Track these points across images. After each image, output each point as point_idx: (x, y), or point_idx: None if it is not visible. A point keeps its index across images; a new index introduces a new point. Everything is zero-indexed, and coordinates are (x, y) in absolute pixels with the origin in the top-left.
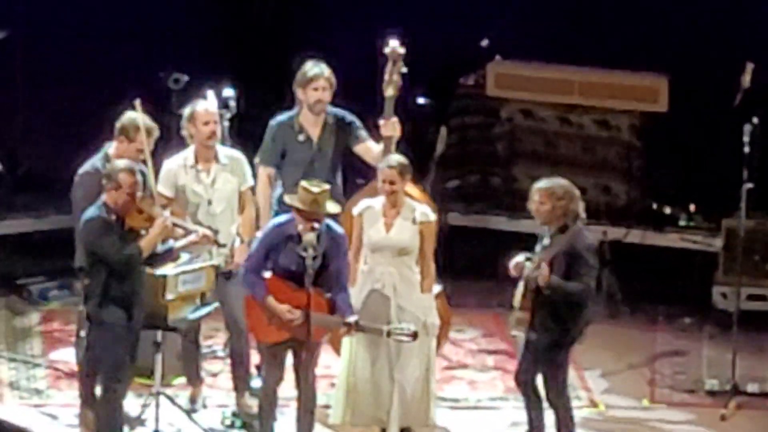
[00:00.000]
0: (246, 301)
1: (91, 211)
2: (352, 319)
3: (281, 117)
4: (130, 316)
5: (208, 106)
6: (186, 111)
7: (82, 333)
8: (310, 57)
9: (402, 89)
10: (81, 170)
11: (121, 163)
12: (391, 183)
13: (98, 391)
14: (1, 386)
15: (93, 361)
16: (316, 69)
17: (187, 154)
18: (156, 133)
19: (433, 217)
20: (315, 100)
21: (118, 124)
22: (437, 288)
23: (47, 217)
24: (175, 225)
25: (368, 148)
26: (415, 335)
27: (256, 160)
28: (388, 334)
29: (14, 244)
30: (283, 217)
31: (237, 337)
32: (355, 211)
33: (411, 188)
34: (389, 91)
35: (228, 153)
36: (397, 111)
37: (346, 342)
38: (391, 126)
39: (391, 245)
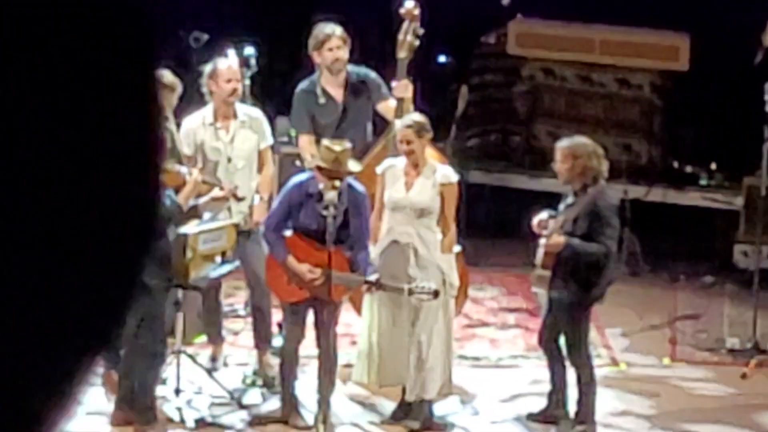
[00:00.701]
0: (267, 260)
1: None
2: (373, 277)
3: (303, 84)
4: (167, 276)
5: (231, 63)
6: (207, 68)
7: None
8: (322, 18)
9: (417, 51)
10: None
11: None
12: (408, 143)
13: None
14: None
15: (132, 326)
16: (327, 29)
17: (206, 112)
18: (178, 88)
19: (454, 178)
20: (332, 59)
21: None
22: (456, 248)
23: None
24: (204, 182)
25: (389, 107)
26: (436, 294)
27: (293, 132)
28: (410, 292)
29: None
30: (303, 176)
31: (258, 295)
32: (378, 169)
33: (429, 150)
34: (402, 53)
35: (247, 111)
36: (411, 72)
37: (366, 301)
38: (403, 87)
39: (411, 205)
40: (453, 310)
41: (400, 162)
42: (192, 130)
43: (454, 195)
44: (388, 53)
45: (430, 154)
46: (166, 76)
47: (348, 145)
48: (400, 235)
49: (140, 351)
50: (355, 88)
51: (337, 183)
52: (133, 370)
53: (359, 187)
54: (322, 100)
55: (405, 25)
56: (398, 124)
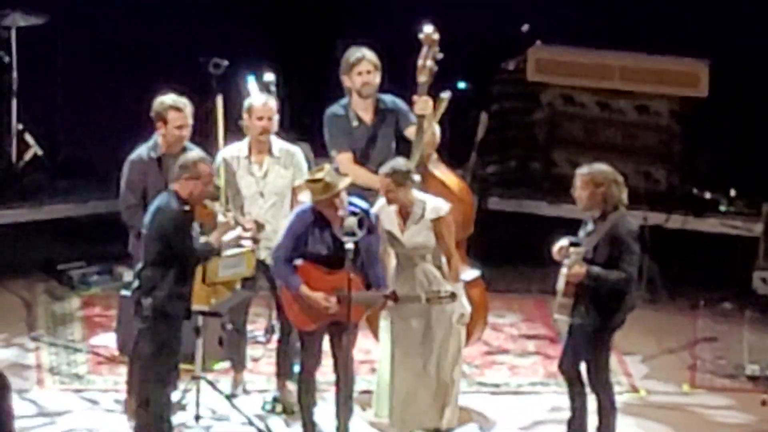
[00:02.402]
0: (282, 290)
1: (165, 201)
2: (389, 291)
3: (333, 108)
4: (188, 309)
5: (266, 101)
6: (245, 103)
7: (130, 321)
8: (349, 42)
9: (436, 75)
10: (129, 158)
11: (197, 153)
12: (388, 191)
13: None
14: (42, 371)
15: (147, 353)
16: (357, 53)
17: (242, 146)
18: (188, 109)
19: (445, 210)
20: (361, 83)
21: (152, 113)
22: (474, 274)
23: (87, 202)
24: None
25: (414, 132)
26: (453, 296)
27: (332, 153)
28: (428, 300)
29: (55, 229)
30: (302, 206)
31: (288, 325)
32: (374, 209)
33: (446, 174)
34: (422, 77)
35: (283, 146)
36: (431, 93)
37: (382, 334)
38: (423, 104)
39: (406, 248)
40: (463, 339)
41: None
42: (226, 162)
43: (448, 226)
44: (409, 77)
45: (447, 178)
46: (172, 98)
47: (325, 166)
48: (406, 274)
49: (153, 377)
50: (384, 115)
51: (356, 209)
52: (147, 396)
53: (362, 204)
54: (354, 123)
55: (424, 50)
56: (380, 171)
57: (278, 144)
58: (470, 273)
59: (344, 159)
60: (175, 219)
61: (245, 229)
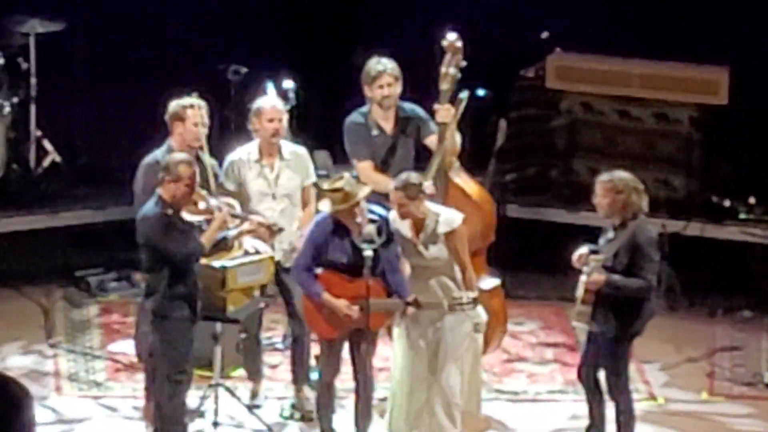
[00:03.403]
0: (302, 298)
1: (149, 208)
2: (411, 297)
3: (353, 116)
4: (193, 310)
5: (275, 103)
6: (254, 105)
7: (145, 327)
8: (369, 50)
9: (458, 83)
10: (143, 162)
11: (178, 155)
12: (401, 206)
13: (159, 383)
14: (60, 378)
15: (158, 356)
16: (379, 66)
17: (251, 149)
18: (205, 108)
19: (457, 222)
20: (382, 96)
21: (167, 116)
22: (494, 282)
23: (106, 208)
24: (232, 216)
25: (435, 140)
26: (475, 301)
27: (353, 161)
28: (450, 307)
29: (73, 235)
30: (322, 215)
31: (299, 330)
32: (390, 216)
33: (467, 182)
34: (444, 85)
35: (292, 149)
36: (451, 101)
37: (397, 349)
38: (445, 112)
39: (420, 263)
40: (480, 347)
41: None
42: (236, 165)
43: (461, 239)
44: (427, 83)
45: (468, 186)
46: (185, 100)
47: (345, 174)
48: (421, 287)
49: (164, 380)
50: (405, 124)
51: (375, 217)
52: (161, 400)
53: (383, 212)
54: (375, 132)
55: (447, 57)
56: (390, 184)
57: (287, 146)
58: (490, 281)
59: (364, 168)
60: (154, 224)
61: (251, 222)
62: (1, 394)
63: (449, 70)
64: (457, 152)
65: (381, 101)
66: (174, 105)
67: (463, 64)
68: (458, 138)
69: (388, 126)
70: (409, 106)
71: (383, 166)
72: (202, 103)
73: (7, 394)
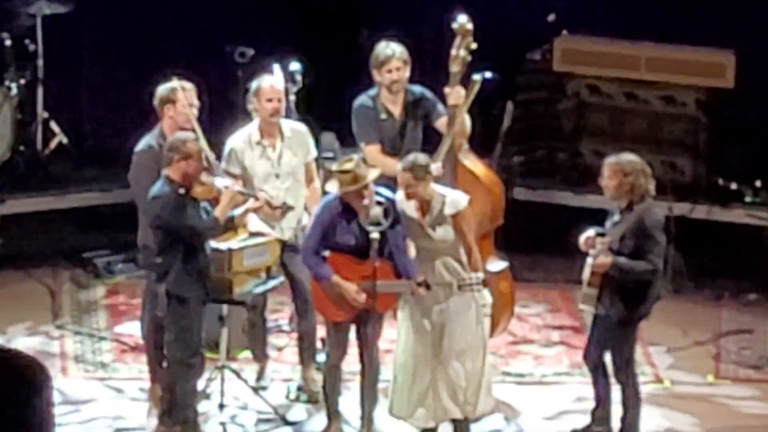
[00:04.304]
0: (311, 282)
1: (158, 189)
2: (420, 278)
3: (362, 99)
4: (205, 289)
5: (274, 83)
6: (253, 85)
7: (159, 312)
8: (375, 32)
9: (468, 65)
10: (137, 149)
11: (181, 134)
12: (408, 186)
13: (172, 366)
14: (67, 359)
15: (170, 340)
16: (387, 50)
17: (251, 130)
18: (192, 89)
19: (463, 203)
20: (390, 81)
21: (156, 100)
22: (502, 265)
23: (113, 190)
24: (240, 193)
25: (444, 123)
26: (485, 283)
27: (361, 144)
28: (459, 287)
29: (80, 217)
30: (329, 197)
31: (303, 311)
32: (397, 198)
33: (476, 165)
34: (454, 67)
35: (292, 126)
36: (464, 83)
37: (401, 331)
38: (455, 94)
39: (427, 245)
40: (487, 329)
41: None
42: (238, 149)
43: (468, 220)
44: (433, 65)
45: (476, 168)
46: (173, 83)
47: (354, 156)
48: (426, 269)
49: (176, 363)
50: (414, 107)
51: (382, 199)
52: (171, 383)
53: (388, 194)
54: (383, 116)
55: (458, 40)
56: (397, 166)
57: (287, 124)
58: (498, 264)
59: (372, 151)
60: (167, 203)
61: (256, 199)
62: (21, 375)
63: (459, 52)
64: (467, 135)
65: (390, 85)
66: (162, 89)
67: (474, 46)
68: (468, 121)
69: (397, 110)
70: (418, 89)
71: (391, 150)
72: (190, 84)
73: (26, 374)
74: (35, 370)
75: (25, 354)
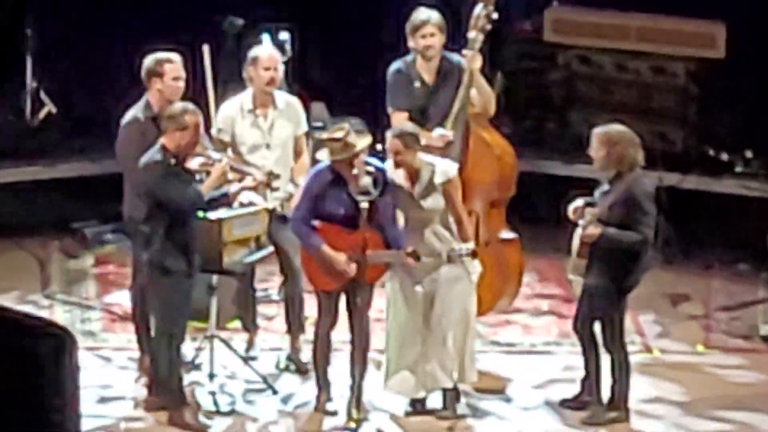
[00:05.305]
0: (301, 252)
1: (151, 156)
2: (410, 248)
3: (396, 64)
4: (190, 261)
5: (272, 52)
6: (250, 54)
7: (141, 281)
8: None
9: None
10: (123, 121)
11: (181, 104)
12: (397, 153)
13: (154, 335)
14: None
15: (154, 309)
16: (422, 16)
17: (245, 98)
18: (180, 61)
19: (453, 172)
20: (424, 46)
21: (143, 73)
22: (512, 235)
23: (102, 160)
24: (233, 169)
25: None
26: (474, 253)
27: (389, 110)
28: (448, 257)
29: (69, 187)
30: (319, 166)
31: (291, 280)
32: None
33: (490, 133)
34: (473, 33)
35: (285, 98)
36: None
37: (390, 302)
38: (472, 58)
39: (416, 215)
40: (473, 300)
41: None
42: (230, 117)
43: (456, 188)
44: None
45: (490, 136)
46: (161, 55)
47: (345, 125)
48: (415, 240)
49: (159, 332)
50: (447, 75)
51: (371, 168)
52: (155, 352)
53: (378, 163)
54: (417, 83)
55: (479, 8)
56: (388, 133)
57: (280, 96)
58: (509, 234)
59: (398, 118)
60: (156, 171)
61: (254, 179)
62: (53, 340)
63: (479, 21)
64: (490, 113)
65: (423, 51)
66: (150, 60)
67: (495, 15)
68: (493, 100)
69: (430, 77)
70: (456, 57)
71: (421, 118)
72: (178, 56)
73: (58, 339)
74: (66, 338)
75: (52, 321)
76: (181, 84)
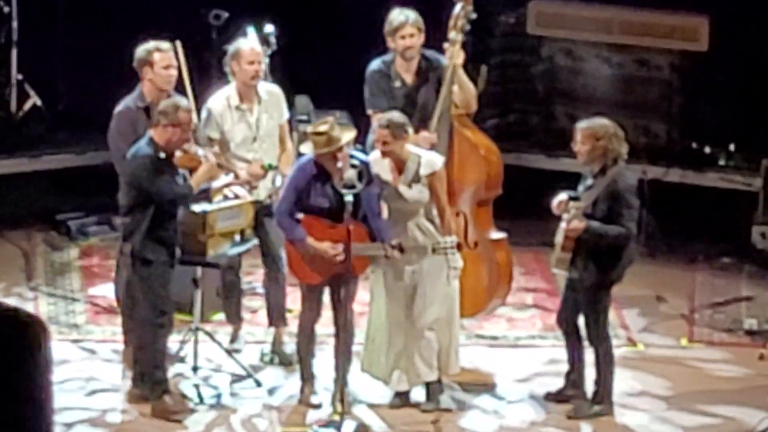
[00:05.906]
0: (285, 245)
1: (140, 148)
2: (395, 241)
3: (375, 64)
4: (171, 254)
5: (254, 45)
6: (231, 48)
7: (124, 272)
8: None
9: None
10: (116, 110)
11: (176, 99)
12: (384, 143)
13: (137, 329)
14: None
15: (135, 300)
16: (401, 17)
17: (230, 93)
18: (171, 51)
19: (439, 164)
20: (404, 47)
21: (134, 63)
22: (500, 235)
23: (86, 152)
24: (219, 166)
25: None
26: (459, 246)
27: (369, 111)
28: (433, 250)
29: (53, 179)
30: (303, 159)
31: (274, 273)
32: (370, 159)
33: (475, 133)
34: (452, 34)
35: (267, 88)
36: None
37: (374, 294)
38: (455, 54)
39: (400, 206)
40: (456, 293)
41: (386, 160)
42: (217, 113)
43: (441, 181)
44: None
45: (476, 137)
46: (151, 44)
47: (329, 119)
48: (400, 231)
49: (143, 324)
50: (427, 74)
51: (356, 162)
52: (140, 343)
53: (362, 156)
54: (397, 83)
55: (458, 8)
56: (374, 123)
57: (263, 87)
58: (496, 234)
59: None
60: (146, 163)
61: (236, 176)
62: (21, 332)
63: (458, 21)
64: (471, 110)
65: (403, 52)
66: (141, 50)
67: (473, 15)
68: (474, 97)
69: (410, 78)
70: (433, 55)
71: None
72: (170, 45)
73: (27, 332)
74: (36, 327)
75: (26, 311)
76: (173, 72)
